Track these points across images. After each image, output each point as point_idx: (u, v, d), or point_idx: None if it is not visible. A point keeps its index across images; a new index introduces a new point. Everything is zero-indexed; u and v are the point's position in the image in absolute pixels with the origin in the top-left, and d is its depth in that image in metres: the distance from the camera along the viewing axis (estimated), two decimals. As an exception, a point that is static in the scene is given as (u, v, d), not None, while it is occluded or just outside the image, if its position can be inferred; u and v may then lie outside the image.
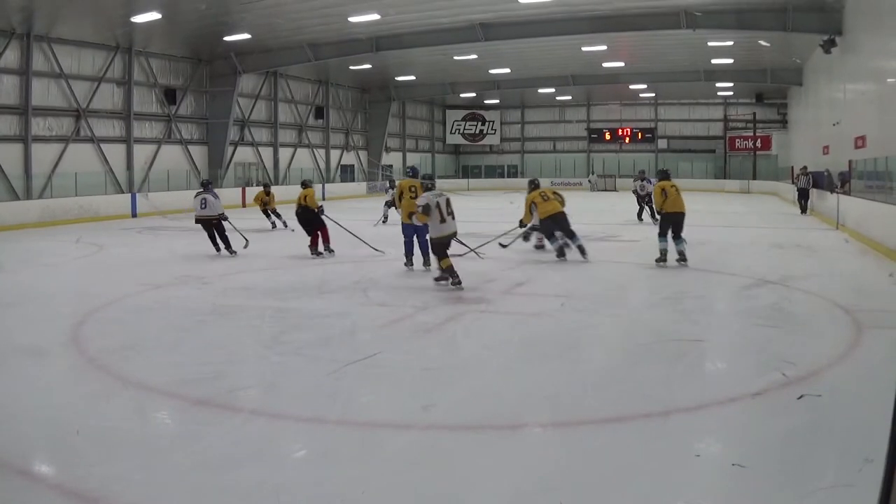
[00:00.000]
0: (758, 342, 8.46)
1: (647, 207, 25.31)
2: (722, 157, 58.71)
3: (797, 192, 30.52)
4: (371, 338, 8.81)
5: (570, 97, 60.13)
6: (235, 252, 16.96)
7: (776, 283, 12.41)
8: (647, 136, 61.32)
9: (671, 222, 14.92)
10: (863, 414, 5.80)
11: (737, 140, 58.04)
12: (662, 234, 15.00)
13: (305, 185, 17.41)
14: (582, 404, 6.35)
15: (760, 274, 13.43)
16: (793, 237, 20.44)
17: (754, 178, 53.78)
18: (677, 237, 14.84)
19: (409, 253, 14.46)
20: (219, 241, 17.03)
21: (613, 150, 62.37)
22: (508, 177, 63.60)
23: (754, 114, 56.65)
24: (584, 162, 62.83)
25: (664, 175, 15.43)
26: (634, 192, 26.64)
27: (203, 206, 16.97)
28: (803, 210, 29.49)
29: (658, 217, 15.84)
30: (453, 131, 66.98)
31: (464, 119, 66.55)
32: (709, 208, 32.02)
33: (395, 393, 6.78)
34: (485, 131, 66.72)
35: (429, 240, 12.73)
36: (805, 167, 30.95)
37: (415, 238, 14.28)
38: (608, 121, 62.89)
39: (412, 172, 15.86)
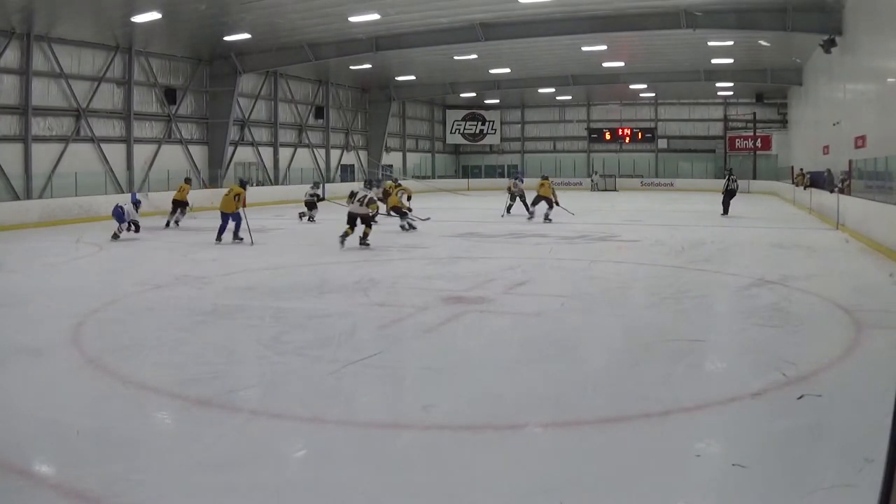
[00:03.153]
0: (758, 342, 8.47)
1: (520, 202, 27.80)
2: (722, 156, 58.60)
3: (724, 193, 29.78)
4: (371, 338, 8.82)
5: (570, 97, 60.07)
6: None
7: (776, 283, 12.41)
8: (647, 135, 61.24)
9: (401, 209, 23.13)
10: (863, 414, 5.80)
11: (737, 140, 58.00)
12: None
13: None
14: (582, 404, 6.35)
15: (760, 274, 13.44)
16: (793, 237, 20.45)
17: (754, 177, 53.58)
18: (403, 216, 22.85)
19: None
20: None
21: (613, 150, 62.30)
22: (509, 177, 63.42)
23: (754, 114, 56.62)
24: (585, 162, 62.79)
25: (392, 178, 21.87)
26: (509, 188, 29.19)
27: None
28: (725, 211, 29.02)
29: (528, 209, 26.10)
30: (453, 131, 66.97)
31: (464, 119, 66.53)
32: (708, 208, 31.99)
33: (396, 393, 6.79)
34: (485, 131, 66.70)
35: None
36: (731, 168, 32.05)
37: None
38: (608, 121, 62.82)
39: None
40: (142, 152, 34.34)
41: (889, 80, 21.41)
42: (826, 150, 32.61)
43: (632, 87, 52.03)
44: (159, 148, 35.35)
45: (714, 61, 41.95)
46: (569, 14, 29.78)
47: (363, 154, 53.81)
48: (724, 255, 16.53)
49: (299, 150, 46.35)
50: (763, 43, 34.71)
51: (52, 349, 8.20)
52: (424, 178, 58.91)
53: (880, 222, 17.32)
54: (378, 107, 53.76)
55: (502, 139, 66.50)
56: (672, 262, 15.52)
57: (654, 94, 58.45)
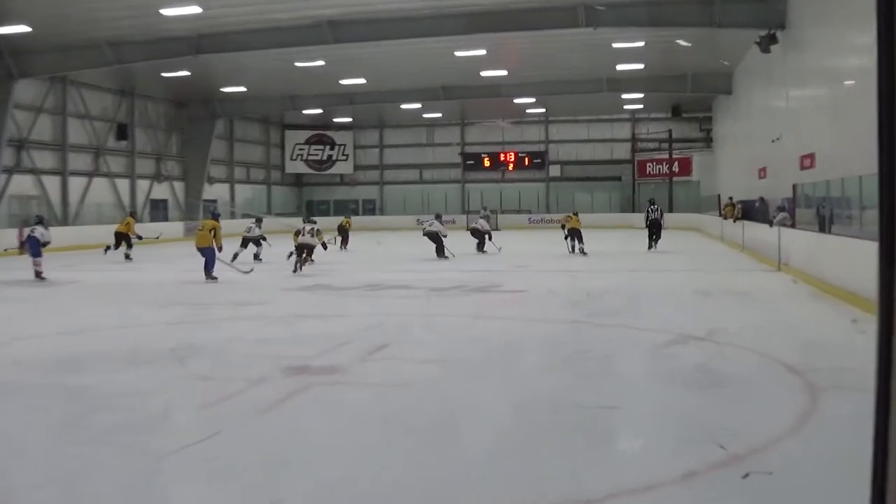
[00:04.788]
0: (683, 411, 8.60)
1: (486, 240, 33.80)
2: (630, 185, 59.78)
3: (647, 226, 33.34)
4: (194, 420, 8.64)
5: (440, 114, 60.80)
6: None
7: (702, 339, 12.67)
8: (536, 161, 62.34)
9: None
10: (825, 496, 5.87)
11: (648, 164, 59.31)
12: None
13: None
14: (463, 498, 6.30)
15: (681, 328, 13.73)
16: (722, 281, 21.13)
17: (671, 209, 54.27)
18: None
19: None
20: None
21: (494, 180, 63.11)
22: (365, 214, 63.29)
23: (670, 131, 57.95)
24: (459, 194, 63.41)
25: (214, 216, 25.11)
26: (476, 228, 34.42)
27: None
28: (651, 245, 32.52)
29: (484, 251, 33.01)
30: (294, 157, 66.96)
31: (307, 142, 66.60)
32: (614, 248, 32.67)
33: (228, 490, 6.61)
34: (334, 157, 66.91)
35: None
36: (652, 199, 34.49)
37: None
38: (487, 143, 63.81)
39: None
40: None
41: (846, 82, 21.81)
42: (762, 172, 33.52)
43: (517, 101, 52.97)
44: None
45: (620, 67, 42.87)
46: (439, 11, 30.12)
47: (179, 186, 53.15)
48: (635, 306, 16.94)
49: (96, 179, 45.49)
50: (682, 43, 35.26)
51: None
52: (257, 217, 58.20)
53: (835, 259, 17.67)
54: (199, 126, 53.25)
55: (356, 167, 66.82)
56: (570, 316, 15.80)
57: (544, 110, 59.62)
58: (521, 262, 27.68)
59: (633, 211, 56.98)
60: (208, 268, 23.32)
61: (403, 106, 55.30)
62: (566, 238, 31.54)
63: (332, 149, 66.84)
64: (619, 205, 59.33)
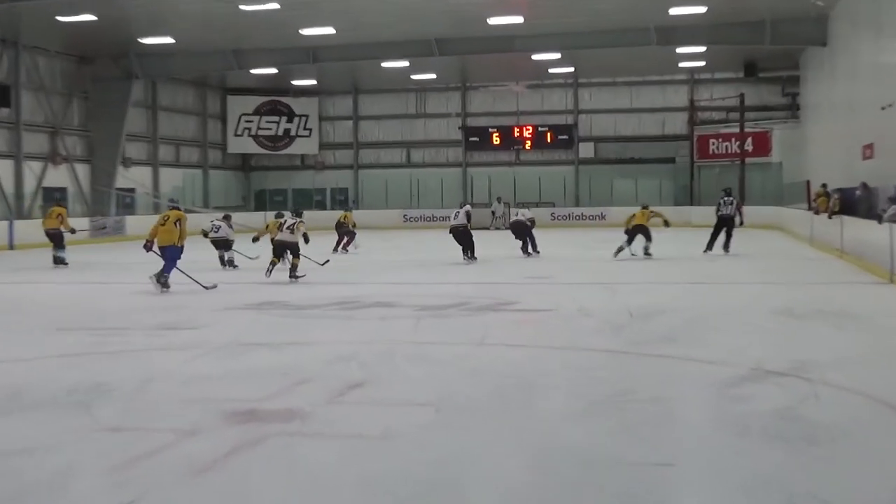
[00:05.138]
0: (760, 471, 8.48)
1: (529, 240, 34.78)
2: (686, 168, 59.45)
3: (716, 221, 33.40)
4: (101, 487, 8.54)
5: (433, 75, 60.68)
6: None
7: (786, 375, 12.61)
8: (562, 137, 62.05)
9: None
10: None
11: (711, 141, 58.96)
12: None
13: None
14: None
15: (757, 360, 13.64)
16: (812, 298, 21.06)
17: (743, 201, 53.55)
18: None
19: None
20: None
21: (506, 163, 62.96)
22: (335, 207, 62.36)
23: (741, 96, 57.58)
24: (459, 182, 63.21)
25: (174, 204, 26.97)
26: (520, 221, 35.34)
27: None
28: (710, 247, 33.22)
29: (537, 251, 34.25)
30: (240, 132, 66.84)
31: (257, 112, 66.58)
32: (668, 252, 32.57)
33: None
34: (293, 132, 66.84)
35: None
36: (728, 189, 34.45)
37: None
38: (497, 114, 63.73)
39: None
40: None
41: None
42: (868, 151, 33.34)
43: (536, 57, 52.79)
44: None
45: (674, 11, 42.67)
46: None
47: (83, 169, 52.95)
48: (696, 331, 16.92)
49: (-33, 161, 45.52)
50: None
51: None
52: (225, 213, 57.81)
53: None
54: (109, 89, 53.08)
55: (322, 145, 66.75)
56: (607, 343, 15.78)
57: (572, 70, 59.31)
58: (542, 272, 27.62)
59: (692, 203, 56.58)
60: (166, 271, 23.72)
61: (385, 64, 54.99)
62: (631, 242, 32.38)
63: (290, 121, 66.61)
64: (672, 195, 58.97)
